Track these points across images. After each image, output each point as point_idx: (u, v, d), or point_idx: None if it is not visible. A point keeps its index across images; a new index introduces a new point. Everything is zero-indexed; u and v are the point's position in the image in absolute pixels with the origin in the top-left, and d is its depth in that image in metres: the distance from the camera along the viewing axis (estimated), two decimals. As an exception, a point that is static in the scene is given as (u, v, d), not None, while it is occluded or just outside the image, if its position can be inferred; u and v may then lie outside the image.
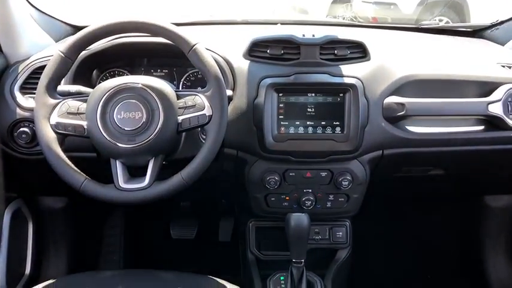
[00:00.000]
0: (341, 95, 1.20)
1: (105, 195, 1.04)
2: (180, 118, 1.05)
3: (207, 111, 1.05)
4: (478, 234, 1.74)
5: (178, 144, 1.17)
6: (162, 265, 1.17)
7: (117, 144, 1.02)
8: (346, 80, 1.20)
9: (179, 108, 1.06)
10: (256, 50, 1.25)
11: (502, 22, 1.66)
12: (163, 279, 1.13)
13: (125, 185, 1.04)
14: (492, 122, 1.28)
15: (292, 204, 1.29)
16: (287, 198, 1.29)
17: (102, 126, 1.03)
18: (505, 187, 1.63)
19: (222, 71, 1.20)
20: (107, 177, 1.06)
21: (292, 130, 1.20)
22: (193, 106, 1.05)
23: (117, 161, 1.05)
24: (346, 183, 1.25)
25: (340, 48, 1.22)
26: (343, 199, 1.29)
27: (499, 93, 1.27)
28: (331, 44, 1.22)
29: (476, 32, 1.75)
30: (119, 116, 1.03)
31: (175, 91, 1.08)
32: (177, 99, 1.07)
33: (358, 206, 1.33)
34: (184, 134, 1.18)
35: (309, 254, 1.23)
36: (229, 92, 1.19)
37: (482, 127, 1.29)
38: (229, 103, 1.19)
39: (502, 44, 1.60)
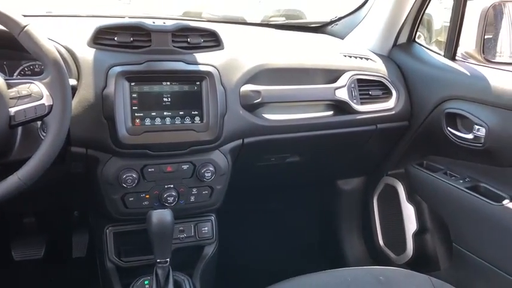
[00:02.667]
0: (197, 83, 1.16)
1: None
2: (12, 110, 0.89)
3: (46, 100, 0.91)
4: (334, 217, 1.85)
5: (14, 143, 1.01)
6: None
7: None
8: (202, 68, 1.16)
9: (11, 98, 0.90)
10: (103, 38, 1.15)
11: (340, 18, 1.80)
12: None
13: None
14: (340, 107, 1.37)
15: (153, 203, 1.21)
16: (147, 196, 1.20)
17: None
18: (353, 171, 1.76)
19: (64, 60, 1.06)
20: None
21: (148, 122, 1.12)
22: (28, 95, 0.91)
23: None
24: (209, 174, 1.21)
25: (193, 36, 1.19)
26: (207, 192, 1.25)
27: (343, 80, 1.37)
28: (184, 31, 1.17)
29: (319, 28, 1.87)
30: None
31: (6, 79, 0.92)
32: (8, 89, 0.91)
33: (222, 198, 1.30)
34: (20, 131, 1.02)
35: (174, 254, 1.16)
36: (72, 82, 1.06)
37: (331, 112, 1.37)
38: (73, 95, 1.07)
39: (342, 37, 1.73)
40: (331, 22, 1.83)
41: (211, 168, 1.21)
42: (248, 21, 1.86)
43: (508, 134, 1.20)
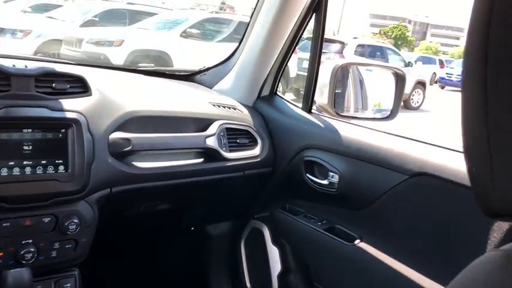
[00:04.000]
0: (63, 130, 1.11)
1: None
2: None
3: None
4: (203, 261, 1.85)
5: None
6: None
7: None
8: (68, 115, 1.12)
9: None
10: None
11: (209, 68, 1.87)
12: None
13: None
14: (210, 154, 1.41)
15: (7, 261, 1.09)
16: (1, 254, 1.08)
17: None
18: (221, 215, 1.81)
19: None
20: None
21: (5, 172, 1.03)
22: None
23: None
24: (74, 227, 1.14)
25: (59, 82, 1.14)
26: (70, 245, 1.17)
27: (213, 128, 1.43)
28: (48, 76, 1.12)
29: (188, 77, 1.92)
30: None
31: None
32: None
33: (87, 251, 1.22)
34: None
35: None
36: None
37: (202, 159, 1.41)
38: None
39: (210, 87, 1.80)
40: (200, 71, 1.89)
41: (75, 220, 1.14)
42: (116, 65, 1.83)
43: (357, 180, 1.36)
